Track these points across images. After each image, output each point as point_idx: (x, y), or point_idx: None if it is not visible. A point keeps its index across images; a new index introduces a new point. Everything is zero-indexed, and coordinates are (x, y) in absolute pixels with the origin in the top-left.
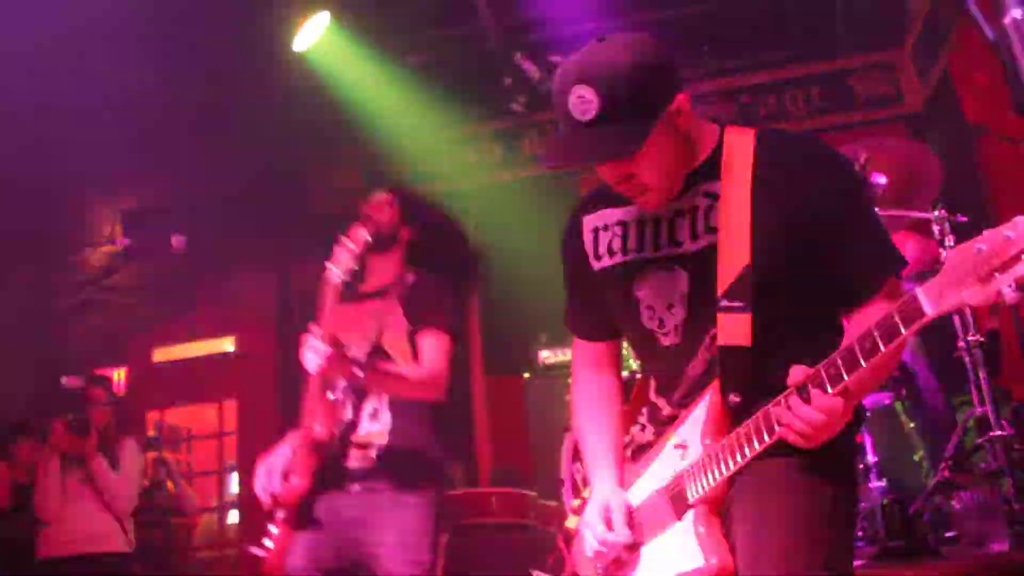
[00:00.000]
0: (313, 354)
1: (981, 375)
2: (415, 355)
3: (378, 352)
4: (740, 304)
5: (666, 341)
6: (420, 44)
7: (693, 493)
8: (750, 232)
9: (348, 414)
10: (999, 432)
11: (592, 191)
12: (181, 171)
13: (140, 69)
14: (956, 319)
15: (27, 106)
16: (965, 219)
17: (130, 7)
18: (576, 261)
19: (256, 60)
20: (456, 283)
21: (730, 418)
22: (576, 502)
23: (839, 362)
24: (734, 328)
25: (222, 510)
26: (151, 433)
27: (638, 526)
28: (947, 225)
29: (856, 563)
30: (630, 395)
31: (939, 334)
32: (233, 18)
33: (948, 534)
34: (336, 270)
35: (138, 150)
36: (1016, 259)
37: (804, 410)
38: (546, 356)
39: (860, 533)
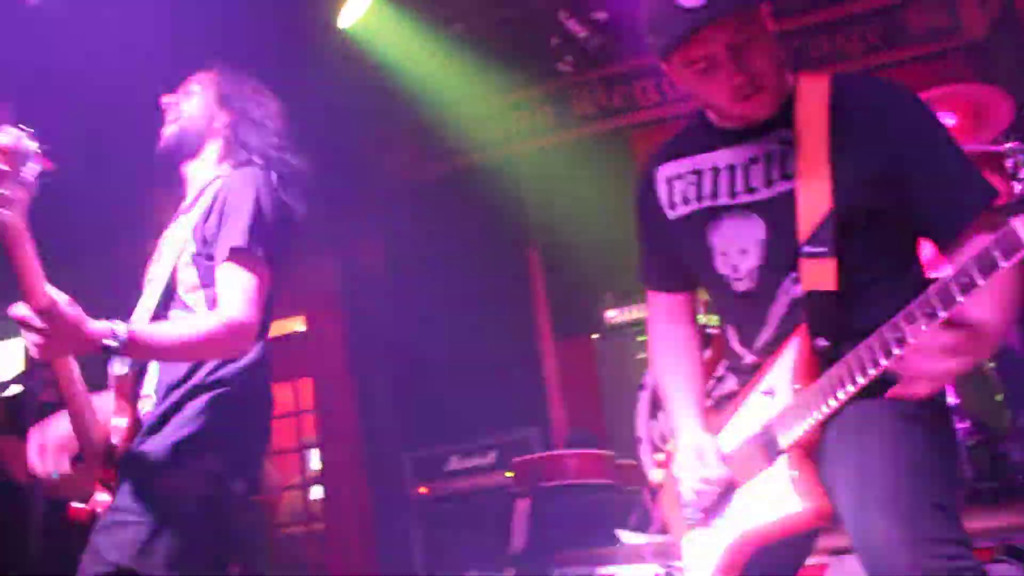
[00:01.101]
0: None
1: None
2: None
3: (169, 302)
4: (824, 249)
5: (740, 287)
6: (463, 11)
7: (785, 439)
8: (830, 177)
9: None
10: None
11: (664, 143)
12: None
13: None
14: None
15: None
16: None
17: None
18: (650, 212)
19: (303, 40)
20: (269, 179)
21: (819, 363)
22: (660, 456)
23: (933, 300)
24: (818, 273)
25: (305, 487)
26: None
27: (731, 472)
28: (1021, 157)
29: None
30: (706, 348)
31: None
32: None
33: None
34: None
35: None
36: None
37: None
38: (613, 315)
39: None
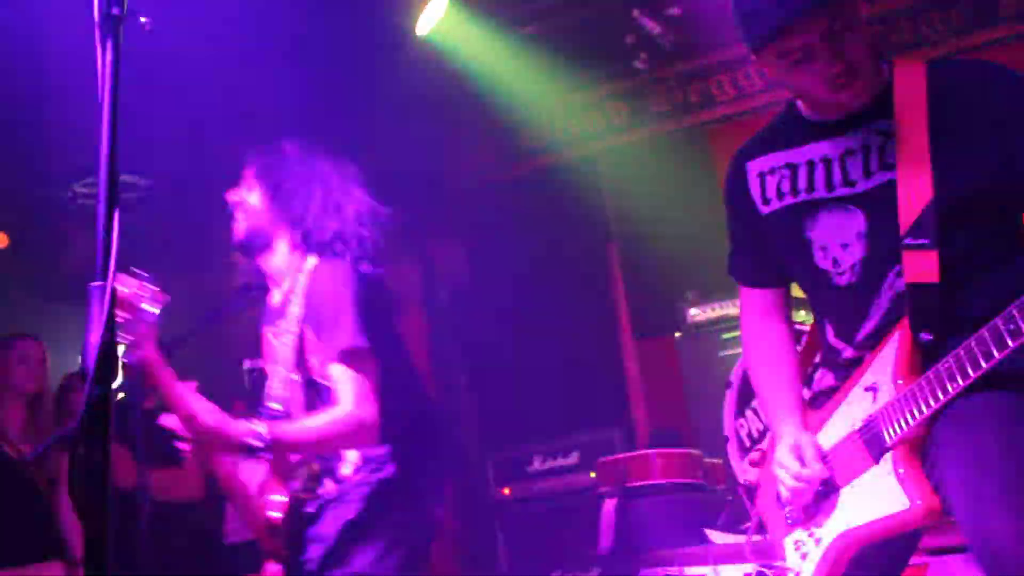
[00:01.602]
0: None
1: None
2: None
3: (314, 389)
4: (925, 241)
5: (842, 281)
6: (537, 13)
7: (890, 435)
8: (931, 166)
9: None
10: None
11: (754, 137)
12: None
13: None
14: None
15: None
16: None
17: (255, 8)
18: (742, 207)
19: (383, 50)
20: (353, 271)
21: (922, 357)
22: (755, 454)
23: None
24: (921, 265)
25: None
26: None
27: (831, 470)
28: None
29: None
30: (802, 343)
31: None
32: (356, 10)
33: None
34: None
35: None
36: None
37: None
38: (695, 314)
39: None
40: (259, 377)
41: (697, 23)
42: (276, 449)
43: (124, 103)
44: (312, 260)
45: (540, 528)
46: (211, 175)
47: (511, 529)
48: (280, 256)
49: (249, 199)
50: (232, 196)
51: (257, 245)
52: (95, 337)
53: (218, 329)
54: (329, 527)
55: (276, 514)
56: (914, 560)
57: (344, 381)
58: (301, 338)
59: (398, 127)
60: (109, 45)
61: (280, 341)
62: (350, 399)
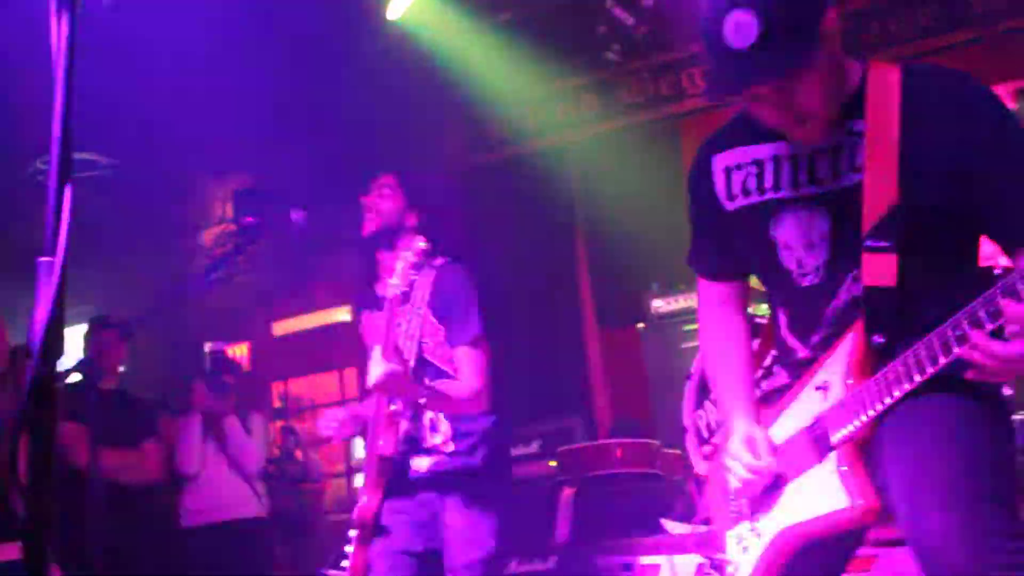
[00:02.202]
0: (375, 368)
1: None
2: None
3: (423, 365)
4: (886, 244)
5: (805, 282)
6: (511, 1)
7: (837, 434)
8: (898, 170)
9: (408, 426)
10: None
11: (720, 130)
12: (287, 148)
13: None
14: None
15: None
16: None
17: None
18: (706, 201)
19: (353, 32)
20: (473, 274)
21: (874, 359)
22: (707, 448)
23: (997, 298)
24: (879, 268)
25: (349, 475)
26: (277, 404)
27: (779, 466)
28: None
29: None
30: (759, 336)
31: None
32: None
33: None
34: (396, 283)
35: (244, 130)
36: None
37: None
38: (659, 305)
39: None
40: (219, 359)
41: (670, 15)
42: (433, 401)
43: (92, 84)
44: (439, 261)
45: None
46: (176, 156)
47: None
48: (400, 255)
49: (386, 202)
50: (368, 199)
51: (384, 242)
52: (41, 313)
53: (179, 312)
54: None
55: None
56: (863, 552)
57: (469, 360)
58: (423, 322)
59: (366, 112)
60: (64, 19)
61: (399, 323)
62: (475, 376)
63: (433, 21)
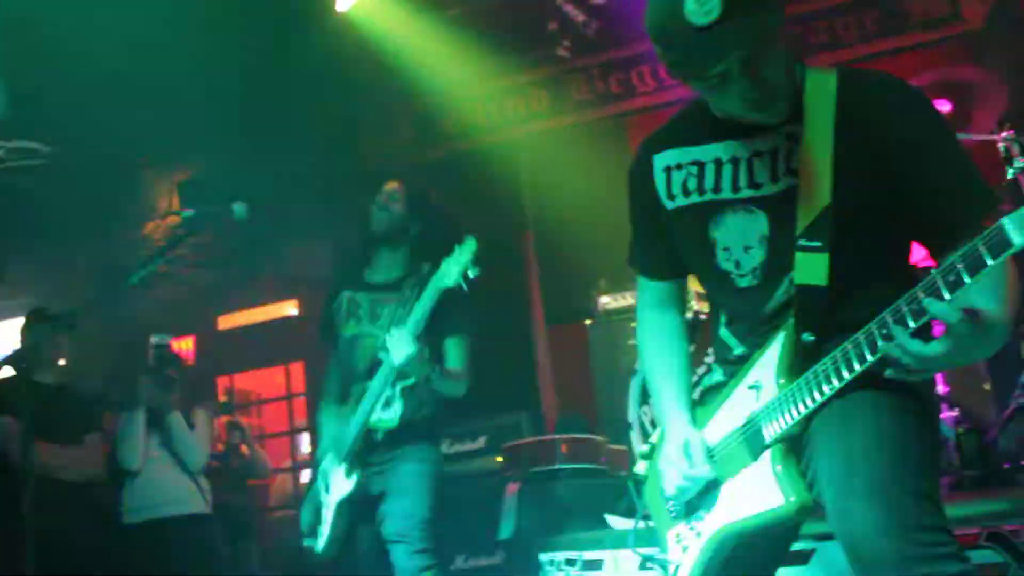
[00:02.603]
0: (402, 346)
1: None
2: (439, 354)
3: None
4: (818, 244)
5: (743, 283)
6: None
7: (769, 433)
8: (832, 172)
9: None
10: None
11: (660, 129)
12: (234, 140)
13: (185, 42)
14: None
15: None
16: None
17: None
18: (646, 200)
19: (300, 24)
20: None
21: (805, 357)
22: (644, 449)
23: (920, 295)
24: (811, 267)
25: (295, 470)
26: (222, 399)
27: (714, 466)
28: (1015, 146)
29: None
30: (695, 337)
31: None
32: None
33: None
34: (450, 279)
35: (190, 121)
36: None
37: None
38: (606, 302)
39: None
40: (162, 354)
41: (620, 13)
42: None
43: (35, 72)
44: (427, 266)
45: (446, 512)
46: (121, 145)
47: None
48: (397, 254)
49: (395, 206)
50: (380, 200)
51: (389, 240)
52: None
53: (123, 304)
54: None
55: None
56: (801, 546)
57: (459, 350)
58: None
59: (314, 106)
60: None
61: (387, 310)
62: (463, 363)
63: (381, 15)
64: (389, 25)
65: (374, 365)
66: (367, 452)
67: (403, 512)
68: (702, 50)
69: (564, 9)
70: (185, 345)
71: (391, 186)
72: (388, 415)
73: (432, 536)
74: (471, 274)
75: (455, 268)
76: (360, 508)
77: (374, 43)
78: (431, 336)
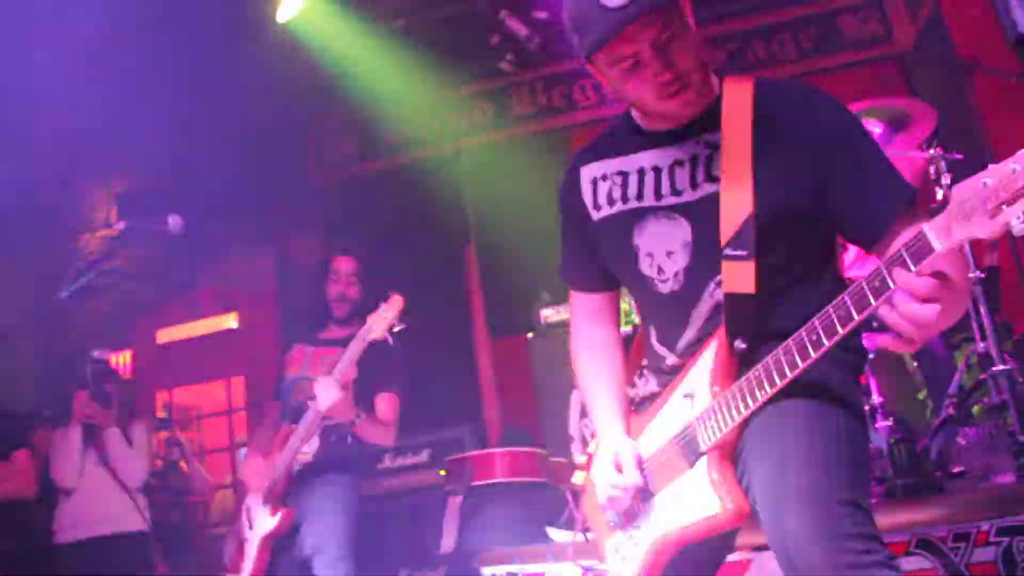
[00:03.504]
0: (328, 391)
1: (982, 311)
2: (369, 407)
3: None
4: (744, 252)
5: (664, 289)
6: (405, 7)
7: (705, 441)
8: (752, 181)
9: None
10: (1001, 367)
11: (589, 143)
12: (173, 151)
13: (123, 52)
14: None
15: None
16: (960, 157)
17: None
18: (574, 212)
19: (240, 34)
20: (402, 347)
21: (737, 364)
22: (582, 458)
23: (848, 303)
24: (738, 276)
25: (236, 487)
26: (161, 414)
27: (649, 475)
28: (942, 164)
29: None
30: (630, 349)
31: None
32: None
33: (955, 470)
34: (376, 332)
35: (128, 132)
36: (1023, 191)
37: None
38: (548, 314)
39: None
40: (101, 369)
41: (563, 27)
42: (365, 430)
43: None
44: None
45: (388, 526)
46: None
47: (360, 527)
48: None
49: (353, 291)
50: (339, 286)
51: (352, 316)
52: None
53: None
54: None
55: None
56: (737, 556)
57: (390, 402)
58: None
59: (255, 116)
60: None
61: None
62: (391, 413)
63: (324, 25)
64: (331, 36)
65: (304, 409)
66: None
67: (320, 527)
68: (614, 32)
69: (507, 23)
70: (123, 359)
71: (347, 267)
72: (307, 449)
73: (350, 545)
74: (396, 328)
75: (380, 324)
76: (281, 540)
77: (316, 54)
78: (363, 389)
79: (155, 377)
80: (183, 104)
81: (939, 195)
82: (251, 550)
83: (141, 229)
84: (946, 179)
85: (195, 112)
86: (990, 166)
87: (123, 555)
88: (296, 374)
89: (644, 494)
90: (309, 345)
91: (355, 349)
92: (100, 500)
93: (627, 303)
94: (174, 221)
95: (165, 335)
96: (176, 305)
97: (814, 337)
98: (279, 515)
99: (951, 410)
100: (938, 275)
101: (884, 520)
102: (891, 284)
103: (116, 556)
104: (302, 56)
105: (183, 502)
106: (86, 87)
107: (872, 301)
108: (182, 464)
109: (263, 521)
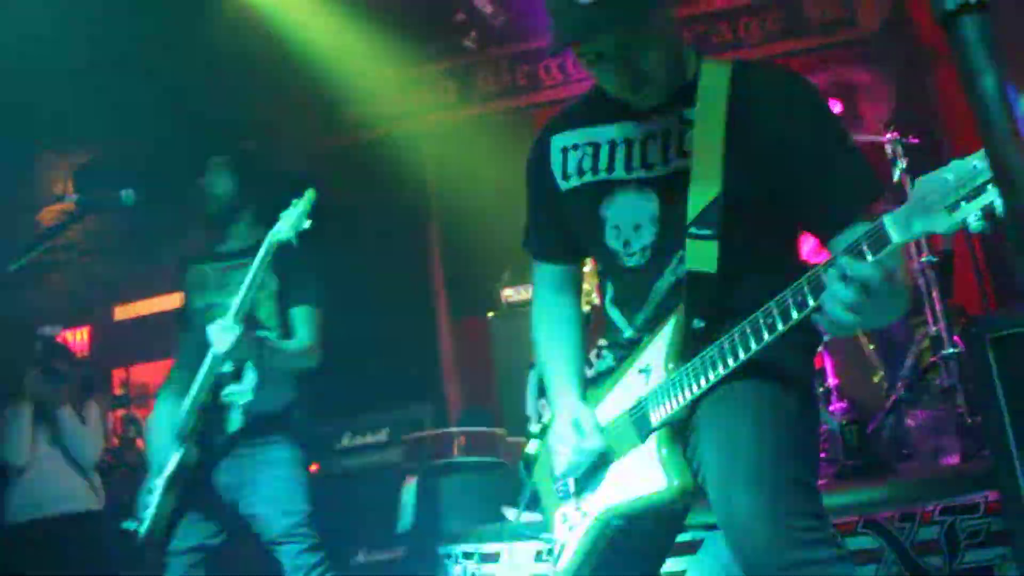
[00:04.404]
0: (226, 335)
1: (934, 295)
2: (284, 323)
3: (253, 321)
4: (708, 232)
5: (630, 262)
6: None
7: (656, 417)
8: (723, 161)
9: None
10: (952, 350)
11: (561, 112)
12: (132, 125)
13: (82, 27)
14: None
15: None
16: (917, 141)
17: None
18: (542, 181)
19: (202, 8)
20: (316, 249)
21: (694, 343)
22: (536, 428)
23: (804, 287)
24: (701, 255)
25: None
26: (119, 391)
27: (604, 447)
28: (899, 147)
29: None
30: (590, 323)
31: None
32: None
33: (905, 451)
34: (284, 233)
35: (86, 106)
36: (982, 188)
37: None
38: (509, 294)
39: (823, 455)
40: (50, 346)
41: (528, 6)
42: (271, 354)
43: None
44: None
45: (347, 505)
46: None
47: (318, 505)
48: (244, 223)
49: (218, 189)
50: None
51: (227, 219)
52: None
53: (14, 294)
54: None
55: None
56: (689, 536)
57: (306, 318)
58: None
59: (216, 91)
60: None
61: (236, 276)
62: (308, 332)
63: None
64: (294, 10)
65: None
66: (218, 434)
67: (281, 511)
68: (580, 27)
69: (472, 1)
70: (80, 336)
71: (213, 165)
72: (242, 388)
73: (317, 530)
74: (303, 226)
75: (287, 223)
76: (196, 494)
77: (279, 28)
78: (280, 304)
79: (113, 354)
80: (142, 79)
81: (895, 177)
82: (154, 496)
83: (94, 203)
84: (902, 163)
85: (155, 88)
86: (952, 161)
87: (76, 534)
88: (201, 304)
89: (597, 465)
90: (206, 262)
91: (261, 257)
92: (52, 479)
93: (588, 284)
94: (127, 195)
95: (123, 312)
96: (134, 281)
97: (769, 320)
98: (181, 452)
99: (902, 392)
100: (865, 287)
101: (834, 500)
102: (848, 273)
103: (69, 535)
104: (264, 31)
105: (140, 481)
106: (46, 60)
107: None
108: (139, 442)
109: (170, 464)
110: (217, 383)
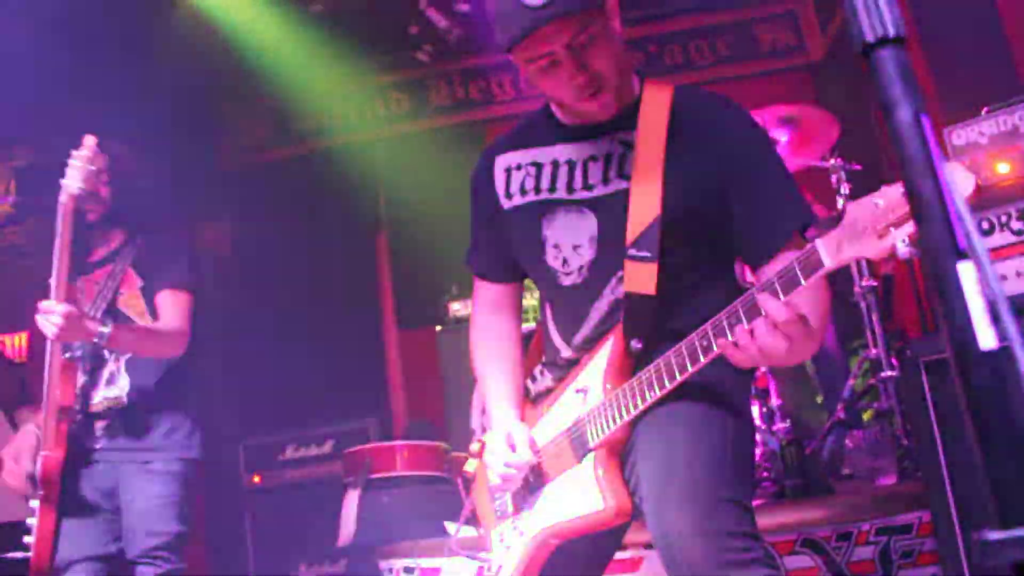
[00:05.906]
0: (50, 317)
1: (874, 318)
2: (154, 314)
3: (114, 313)
4: (647, 254)
5: (567, 281)
6: None
7: (594, 437)
8: (662, 184)
9: (84, 380)
10: (890, 372)
11: (506, 132)
12: (79, 129)
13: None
14: (852, 265)
15: None
16: (859, 167)
17: None
18: (485, 200)
19: (151, 10)
20: (186, 238)
21: (632, 364)
22: (476, 445)
23: (739, 310)
24: (640, 276)
25: None
26: None
27: (541, 467)
28: (842, 174)
29: (756, 502)
30: (530, 343)
31: (839, 279)
32: None
33: (843, 471)
34: (73, 185)
35: (28, 105)
36: (908, 216)
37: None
38: (457, 308)
39: (765, 474)
40: None
41: (483, 21)
42: (114, 332)
43: None
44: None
45: (290, 518)
46: None
47: (261, 518)
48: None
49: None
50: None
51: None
52: None
53: None
54: None
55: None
56: (629, 554)
57: (171, 302)
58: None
59: (165, 98)
60: None
61: (96, 281)
62: (173, 316)
63: (238, 6)
64: (246, 17)
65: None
66: (87, 439)
67: (149, 530)
68: (529, 30)
69: (427, 14)
70: (19, 341)
71: (95, 158)
72: (113, 392)
73: (183, 553)
74: (103, 176)
75: (75, 174)
76: (73, 503)
77: (229, 36)
78: (147, 287)
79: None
80: (89, 83)
81: (839, 204)
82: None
83: (35, 205)
84: (845, 189)
85: (103, 92)
86: (883, 187)
87: (5, 545)
88: None
89: (532, 485)
90: (77, 277)
91: (61, 221)
92: None
93: (533, 299)
94: None
95: None
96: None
97: (705, 342)
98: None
99: (842, 414)
100: (801, 316)
101: (773, 520)
102: (781, 297)
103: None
104: (214, 38)
105: None
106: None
107: (763, 312)
108: None
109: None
110: (89, 388)
